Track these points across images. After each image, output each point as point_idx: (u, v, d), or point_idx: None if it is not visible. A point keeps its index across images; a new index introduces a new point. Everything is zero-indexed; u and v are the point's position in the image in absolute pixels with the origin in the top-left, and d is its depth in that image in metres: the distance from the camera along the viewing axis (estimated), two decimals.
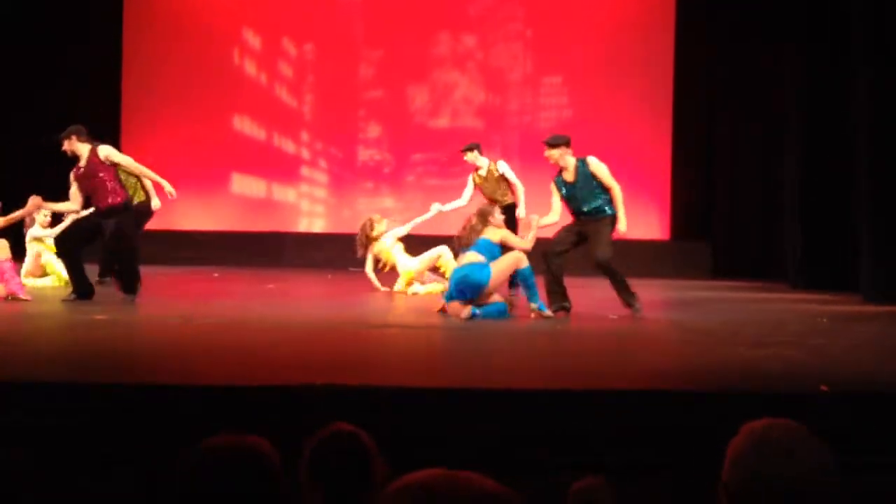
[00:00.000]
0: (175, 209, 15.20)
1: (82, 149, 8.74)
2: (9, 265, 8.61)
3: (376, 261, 10.78)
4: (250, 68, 15.28)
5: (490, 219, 8.24)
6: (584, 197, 8.28)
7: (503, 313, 8.16)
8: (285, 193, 15.29)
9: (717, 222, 14.68)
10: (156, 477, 3.70)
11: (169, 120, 14.99)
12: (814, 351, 6.35)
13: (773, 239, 13.63)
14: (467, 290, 8.01)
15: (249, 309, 8.59)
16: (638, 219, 14.22)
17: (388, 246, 10.69)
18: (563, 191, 8.36)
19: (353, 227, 15.16)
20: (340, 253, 14.62)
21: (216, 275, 12.65)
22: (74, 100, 8.93)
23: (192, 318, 7.54)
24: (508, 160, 10.84)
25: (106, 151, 8.81)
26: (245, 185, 15.32)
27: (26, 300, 8.52)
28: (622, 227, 8.24)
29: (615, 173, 8.58)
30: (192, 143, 15.11)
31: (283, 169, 15.23)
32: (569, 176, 8.36)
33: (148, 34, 15.11)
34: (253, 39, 15.27)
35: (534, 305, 8.07)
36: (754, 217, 14.39)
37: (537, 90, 14.96)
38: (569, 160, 8.34)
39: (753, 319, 8.47)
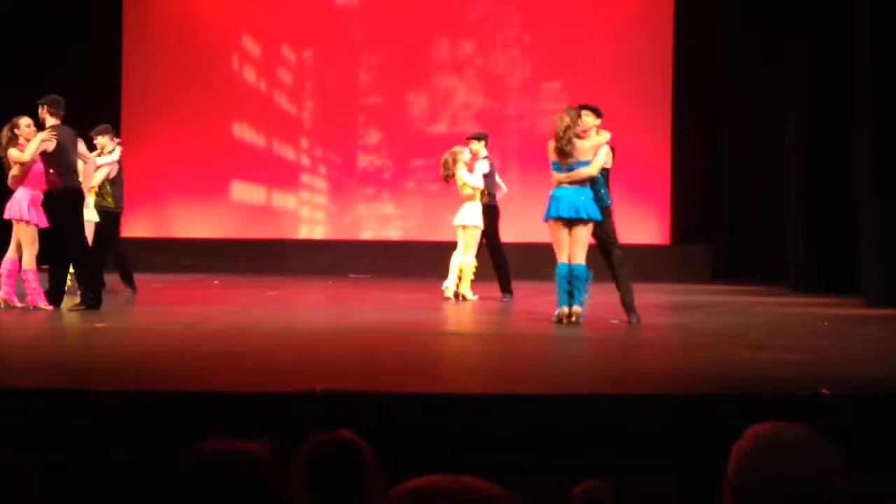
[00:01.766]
0: (175, 217, 15.23)
1: (49, 122, 8.65)
2: (31, 274, 8.51)
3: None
4: (249, 75, 15.29)
5: (580, 122, 8.09)
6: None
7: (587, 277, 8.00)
8: (285, 200, 15.30)
9: (718, 226, 14.68)
10: (156, 482, 3.69)
11: (168, 127, 15.00)
12: (816, 354, 6.35)
13: (775, 242, 13.63)
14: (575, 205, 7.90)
15: (250, 316, 8.59)
16: (639, 223, 14.25)
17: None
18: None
19: (353, 234, 15.23)
20: (341, 259, 14.65)
21: (217, 282, 12.65)
22: (73, 106, 8.89)
23: (193, 325, 7.53)
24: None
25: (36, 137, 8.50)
26: (245, 192, 15.32)
27: (46, 309, 8.43)
28: (562, 177, 8.01)
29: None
30: (191, 151, 15.12)
31: (283, 175, 15.23)
32: None
33: (147, 41, 15.12)
34: (252, 46, 15.29)
35: (577, 309, 7.92)
36: (755, 220, 14.39)
37: (536, 95, 14.97)
38: (594, 133, 8.30)
39: (755, 323, 8.47)
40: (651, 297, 10.37)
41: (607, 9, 14.94)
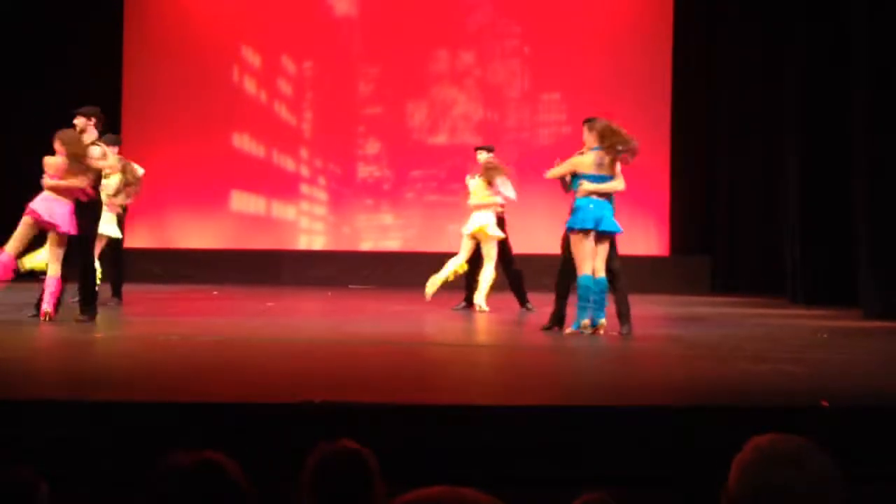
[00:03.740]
0: (174, 227, 15.23)
1: (90, 135, 8.59)
2: (53, 281, 8.42)
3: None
4: (249, 86, 15.31)
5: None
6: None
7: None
8: (285, 211, 15.30)
9: (717, 238, 14.69)
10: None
11: (168, 138, 15.01)
12: (815, 366, 6.35)
13: (773, 254, 13.64)
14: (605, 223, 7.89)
15: (249, 327, 8.58)
16: (637, 235, 14.25)
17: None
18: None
19: (353, 245, 15.24)
20: (340, 270, 14.65)
21: (215, 293, 12.64)
22: (74, 116, 8.87)
23: (191, 336, 7.53)
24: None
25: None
26: (244, 202, 15.33)
27: (52, 319, 8.32)
28: (592, 187, 7.99)
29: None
30: (191, 161, 15.13)
31: (283, 186, 15.24)
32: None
33: (148, 52, 15.15)
34: (252, 57, 15.31)
35: (603, 321, 7.91)
36: (754, 232, 14.40)
37: (535, 106, 15.00)
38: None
39: (753, 335, 8.47)
40: (650, 309, 10.37)
41: (606, 21, 14.98)
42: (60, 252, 8.37)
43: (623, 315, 8.13)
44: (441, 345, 7.85)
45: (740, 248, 14.53)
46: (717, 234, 14.69)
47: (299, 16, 15.18)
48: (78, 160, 8.30)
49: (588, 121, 8.28)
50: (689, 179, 14.72)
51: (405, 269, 14.54)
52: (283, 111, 15.31)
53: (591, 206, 7.90)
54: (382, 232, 15.23)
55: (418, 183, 15.06)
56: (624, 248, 8.78)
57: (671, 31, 14.71)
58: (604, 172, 7.97)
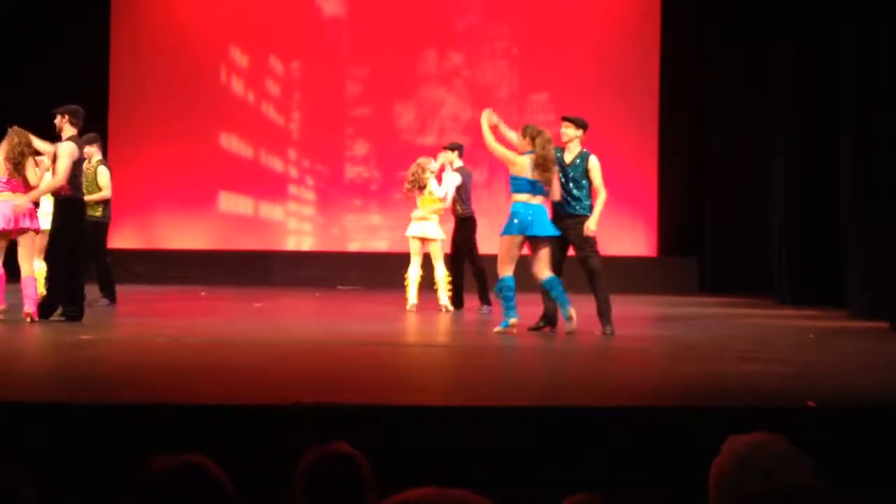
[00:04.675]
0: (162, 228, 15.20)
1: (67, 131, 8.59)
2: (29, 281, 8.41)
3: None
4: (237, 86, 15.29)
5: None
6: (572, 184, 8.33)
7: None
8: (273, 211, 15.29)
9: (705, 238, 14.74)
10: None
11: (156, 138, 14.98)
12: (801, 366, 6.38)
13: (760, 254, 13.69)
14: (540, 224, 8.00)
15: (237, 328, 8.57)
16: (624, 235, 14.30)
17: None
18: (558, 167, 8.38)
19: (340, 245, 15.23)
20: (329, 271, 14.64)
21: (203, 294, 12.62)
22: (53, 116, 8.84)
23: (180, 338, 7.52)
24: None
25: (60, 150, 8.51)
26: (232, 203, 15.31)
27: (35, 320, 8.30)
28: (592, 225, 8.19)
29: None
30: (179, 162, 15.10)
31: (271, 187, 15.22)
32: (568, 157, 8.43)
33: (135, 52, 15.11)
34: (240, 57, 15.29)
35: (573, 312, 7.99)
36: (742, 233, 14.46)
37: (524, 107, 15.00)
38: (576, 145, 8.47)
39: (741, 335, 8.50)
40: (637, 309, 10.40)
41: (594, 21, 15.02)
42: (29, 251, 8.40)
43: (604, 315, 8.16)
44: (430, 346, 7.86)
45: (728, 248, 14.57)
46: (705, 234, 14.74)
47: (287, 16, 15.17)
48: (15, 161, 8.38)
49: (566, 119, 8.55)
50: (676, 180, 14.76)
51: (393, 270, 14.53)
52: (271, 112, 15.30)
53: (523, 211, 8.05)
54: (371, 232, 15.22)
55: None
56: (611, 248, 8.82)
57: (659, 32, 14.75)
58: (537, 177, 8.09)
